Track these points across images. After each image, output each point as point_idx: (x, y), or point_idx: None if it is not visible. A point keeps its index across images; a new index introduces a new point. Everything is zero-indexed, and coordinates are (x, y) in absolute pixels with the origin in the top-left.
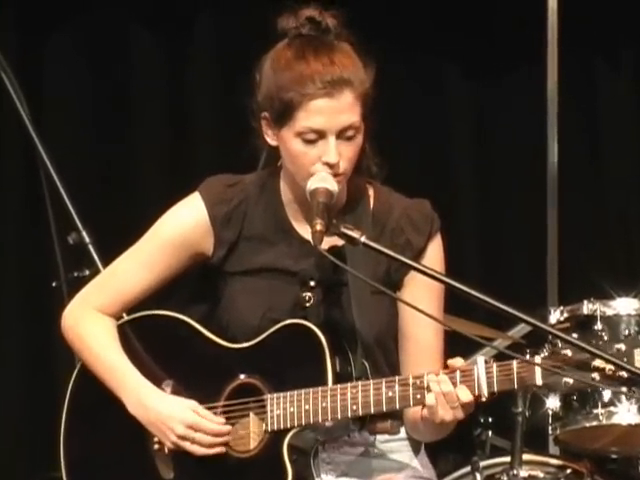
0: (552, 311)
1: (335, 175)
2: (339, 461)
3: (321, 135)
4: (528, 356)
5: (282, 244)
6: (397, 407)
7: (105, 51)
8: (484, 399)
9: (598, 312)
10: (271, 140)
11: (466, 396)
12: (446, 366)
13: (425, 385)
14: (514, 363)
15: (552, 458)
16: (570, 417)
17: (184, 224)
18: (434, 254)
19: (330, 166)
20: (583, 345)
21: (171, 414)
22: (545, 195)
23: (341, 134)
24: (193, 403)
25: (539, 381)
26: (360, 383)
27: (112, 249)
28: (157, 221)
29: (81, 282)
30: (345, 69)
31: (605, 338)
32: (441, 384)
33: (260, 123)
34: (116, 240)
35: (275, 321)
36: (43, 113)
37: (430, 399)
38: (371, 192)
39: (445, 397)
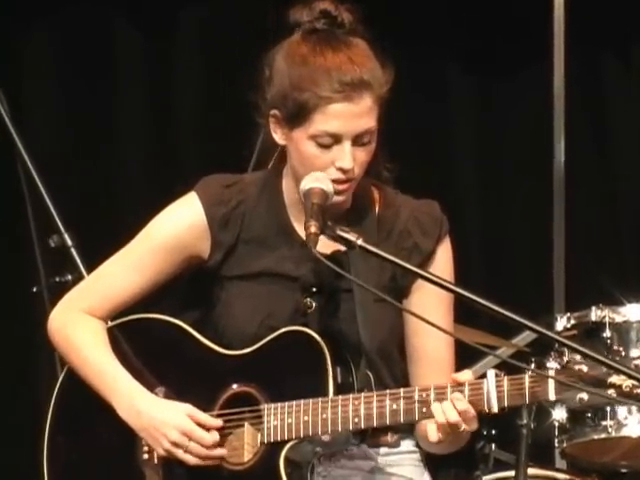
0: (558, 318)
1: (348, 181)
2: (336, 475)
3: (337, 139)
4: (533, 365)
5: (283, 247)
6: (401, 421)
7: (87, 48)
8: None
9: (607, 319)
10: (280, 139)
11: (471, 421)
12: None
13: (431, 398)
14: (526, 377)
15: (559, 472)
16: (577, 429)
17: (179, 225)
18: (443, 258)
19: (344, 171)
20: (594, 355)
21: (165, 419)
22: (551, 196)
23: (357, 139)
24: (189, 407)
25: (552, 397)
26: (363, 395)
27: (96, 253)
28: (151, 221)
29: (63, 287)
30: (364, 69)
31: (614, 347)
32: (446, 413)
33: (268, 121)
34: (100, 243)
35: (273, 329)
36: (23, 111)
37: (432, 435)
38: (377, 194)
39: (450, 427)
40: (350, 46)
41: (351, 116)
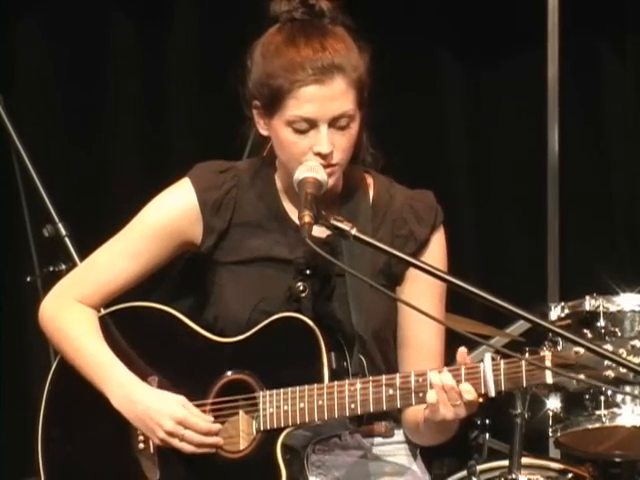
0: (552, 307)
1: (328, 166)
2: (330, 465)
3: (312, 124)
4: (527, 355)
5: (276, 232)
6: (398, 406)
7: (81, 36)
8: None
9: (601, 308)
10: (263, 130)
11: (470, 394)
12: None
13: (427, 382)
14: (523, 360)
15: (552, 462)
16: (572, 419)
17: (172, 211)
18: (437, 246)
19: (322, 156)
20: (588, 344)
21: (160, 409)
22: (545, 185)
23: (333, 123)
24: (182, 399)
25: (550, 379)
26: (359, 380)
27: (89, 242)
28: (144, 207)
29: (57, 277)
30: (337, 54)
31: (614, 335)
32: (443, 379)
33: (252, 112)
34: (94, 233)
35: (267, 313)
36: (17, 101)
37: (431, 396)
38: (370, 181)
39: (447, 393)
40: (325, 34)
41: (323, 99)
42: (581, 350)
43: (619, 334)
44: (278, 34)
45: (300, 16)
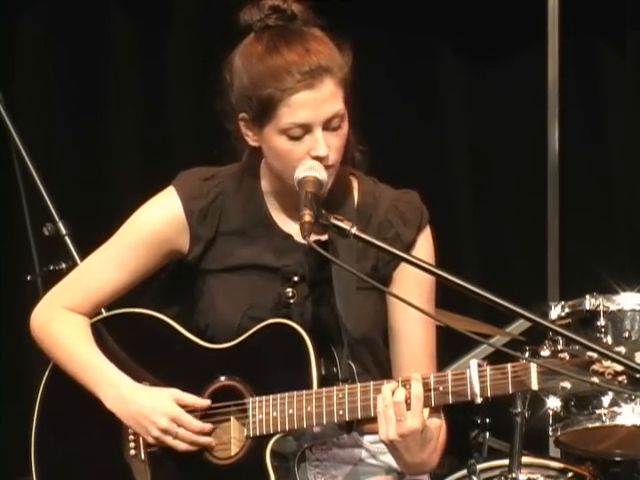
0: (552, 306)
1: (326, 168)
2: (327, 464)
3: (307, 129)
4: (523, 355)
5: (262, 239)
6: None
7: (82, 35)
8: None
9: (601, 307)
10: (252, 141)
11: (415, 423)
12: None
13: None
14: (509, 367)
15: (553, 461)
16: (572, 418)
17: (158, 220)
18: (424, 247)
19: (320, 160)
20: (589, 343)
21: (153, 407)
22: (546, 184)
23: (327, 125)
24: (175, 391)
25: (535, 386)
26: (347, 387)
27: (90, 241)
28: (130, 217)
29: (57, 276)
30: (321, 56)
31: (608, 335)
32: (395, 395)
33: (238, 125)
34: (94, 232)
35: (257, 319)
36: (17, 100)
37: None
38: (355, 183)
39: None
40: (304, 36)
41: (316, 103)
42: (566, 356)
43: (609, 336)
44: (257, 43)
45: (274, 22)
